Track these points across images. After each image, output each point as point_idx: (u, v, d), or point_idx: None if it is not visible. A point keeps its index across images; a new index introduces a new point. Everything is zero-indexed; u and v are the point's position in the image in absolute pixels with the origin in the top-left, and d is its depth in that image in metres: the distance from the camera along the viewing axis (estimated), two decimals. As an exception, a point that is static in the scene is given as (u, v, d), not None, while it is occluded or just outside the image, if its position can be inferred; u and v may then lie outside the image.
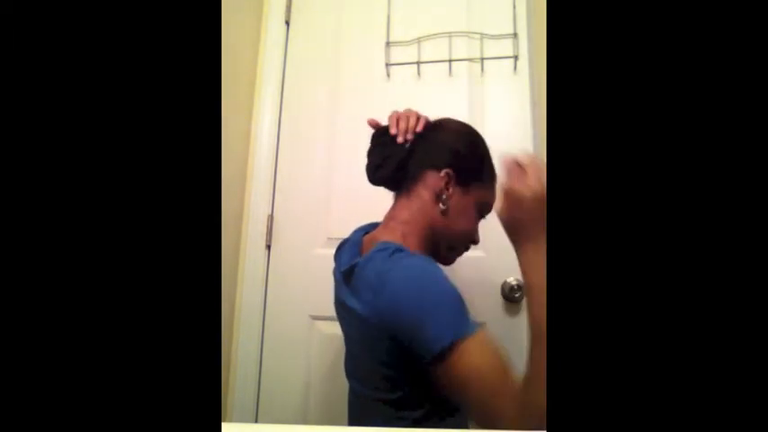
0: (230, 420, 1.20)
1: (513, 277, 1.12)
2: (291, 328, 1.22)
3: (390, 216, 0.75)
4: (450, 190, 0.70)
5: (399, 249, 0.64)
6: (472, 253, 1.15)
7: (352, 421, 0.74)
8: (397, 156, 0.72)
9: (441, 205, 0.70)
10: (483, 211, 0.75)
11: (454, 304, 0.57)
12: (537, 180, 0.57)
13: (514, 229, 0.59)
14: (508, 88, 1.21)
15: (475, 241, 0.77)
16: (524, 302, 1.11)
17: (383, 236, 0.71)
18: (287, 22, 1.37)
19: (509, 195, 0.59)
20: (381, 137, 0.75)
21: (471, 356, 0.54)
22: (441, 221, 0.71)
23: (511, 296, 1.11)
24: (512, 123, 1.19)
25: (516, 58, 1.20)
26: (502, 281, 1.12)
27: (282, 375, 1.20)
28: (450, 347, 0.54)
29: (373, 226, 0.80)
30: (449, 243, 0.74)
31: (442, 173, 0.70)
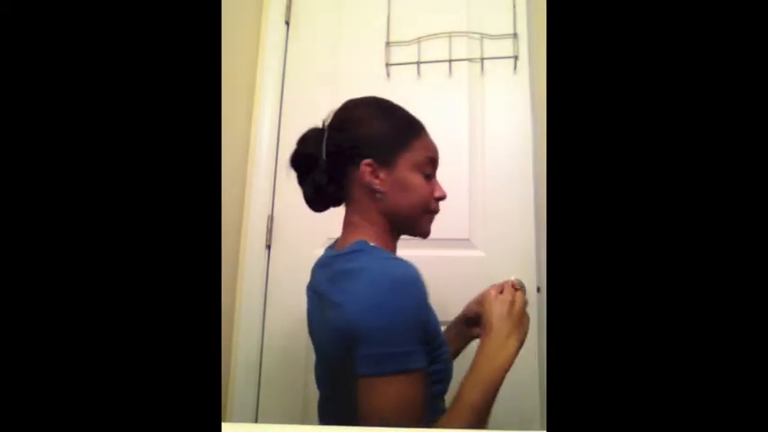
0: (230, 420, 1.19)
1: (514, 277, 1.11)
2: (291, 328, 1.21)
3: (344, 223, 0.74)
4: (380, 177, 0.69)
5: (374, 249, 0.66)
6: (472, 253, 1.16)
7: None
8: (319, 176, 0.72)
9: (377, 196, 0.69)
10: (427, 167, 0.71)
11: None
12: (505, 302, 0.76)
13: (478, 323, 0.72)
14: (508, 88, 1.21)
15: (432, 204, 0.73)
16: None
17: (347, 240, 0.71)
18: (287, 22, 1.37)
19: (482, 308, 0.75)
20: (295, 164, 0.77)
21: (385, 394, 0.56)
22: (388, 207, 0.70)
23: (511, 296, 1.10)
24: (512, 123, 1.19)
25: (516, 58, 1.20)
26: (502, 281, 1.12)
27: (282, 375, 1.20)
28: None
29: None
30: (407, 220, 0.72)
31: (361, 166, 0.68)
